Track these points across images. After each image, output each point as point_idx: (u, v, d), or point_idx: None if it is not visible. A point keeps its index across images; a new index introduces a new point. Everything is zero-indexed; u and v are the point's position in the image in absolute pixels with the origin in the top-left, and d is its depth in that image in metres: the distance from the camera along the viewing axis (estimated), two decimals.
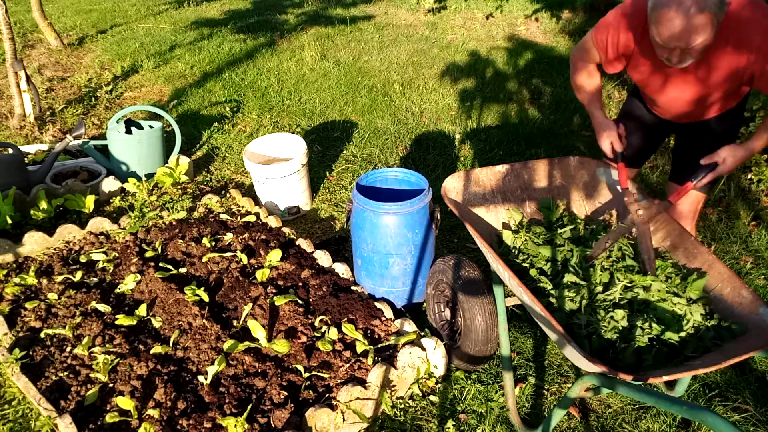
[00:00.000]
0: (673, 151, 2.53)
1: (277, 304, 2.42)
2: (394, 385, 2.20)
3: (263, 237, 2.98)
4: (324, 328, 2.36)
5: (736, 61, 1.90)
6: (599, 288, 1.96)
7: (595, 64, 2.28)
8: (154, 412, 1.97)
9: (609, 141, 2.21)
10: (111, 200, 3.53)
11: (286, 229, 3.10)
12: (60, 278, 2.67)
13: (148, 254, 2.83)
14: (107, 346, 2.28)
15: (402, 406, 2.20)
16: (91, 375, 2.17)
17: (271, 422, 1.98)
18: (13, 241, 2.95)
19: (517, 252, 2.21)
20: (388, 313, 2.49)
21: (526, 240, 2.21)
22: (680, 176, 2.39)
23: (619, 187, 2.23)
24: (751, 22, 1.84)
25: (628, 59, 2.14)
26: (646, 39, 1.97)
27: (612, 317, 1.84)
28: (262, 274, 2.64)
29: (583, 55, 2.27)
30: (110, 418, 1.94)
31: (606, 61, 2.19)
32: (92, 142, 3.86)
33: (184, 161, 3.76)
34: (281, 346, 2.21)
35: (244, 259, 2.78)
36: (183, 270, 2.74)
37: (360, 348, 2.24)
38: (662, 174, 3.83)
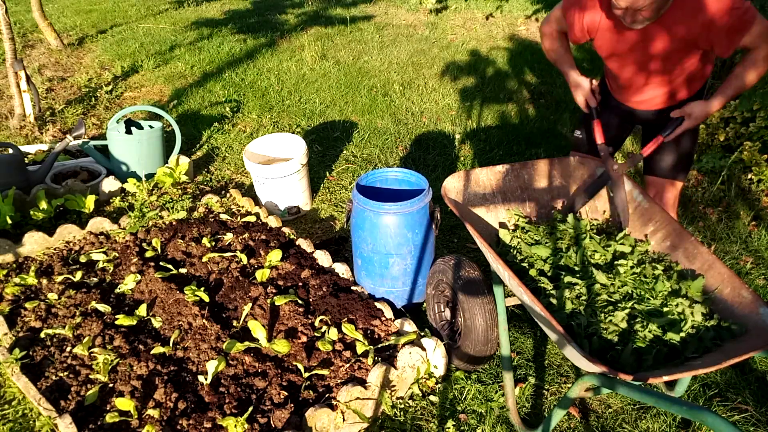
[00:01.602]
0: (641, 143, 2.60)
1: (277, 304, 2.42)
2: (394, 385, 2.20)
3: (263, 237, 2.98)
4: (324, 328, 2.36)
5: (692, 27, 1.98)
6: (599, 288, 1.96)
7: (562, 31, 2.38)
8: (154, 412, 1.97)
9: (583, 97, 2.30)
10: (111, 200, 3.53)
11: (286, 229, 3.11)
12: (60, 278, 2.67)
13: (148, 254, 2.83)
14: (107, 346, 2.28)
15: (402, 406, 2.20)
16: (91, 375, 2.17)
17: (271, 422, 1.98)
18: (13, 241, 2.95)
19: (515, 252, 2.21)
20: (388, 313, 2.49)
21: (519, 242, 2.22)
22: (652, 168, 2.49)
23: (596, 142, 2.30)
24: None
25: (594, 32, 2.23)
26: (610, 10, 2.08)
27: (612, 319, 1.84)
28: (262, 274, 2.64)
29: (551, 24, 2.39)
30: (110, 418, 1.94)
31: (571, 32, 2.29)
32: (92, 142, 3.86)
33: (184, 161, 3.76)
34: (281, 346, 2.21)
35: (244, 259, 2.78)
36: (183, 270, 2.74)
37: (360, 348, 2.24)
38: None
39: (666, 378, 1.49)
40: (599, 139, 2.24)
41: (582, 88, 2.30)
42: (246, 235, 2.97)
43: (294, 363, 2.22)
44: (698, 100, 2.07)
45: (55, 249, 2.96)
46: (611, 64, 2.34)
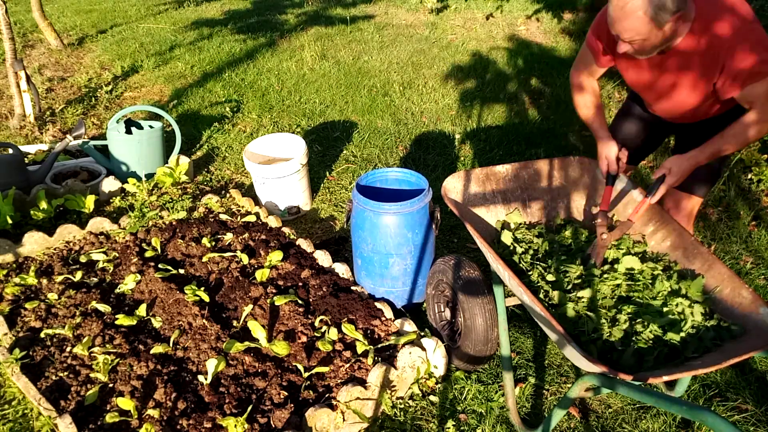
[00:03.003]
0: (672, 153, 2.52)
1: (277, 304, 2.42)
2: (394, 385, 2.19)
3: (263, 237, 2.98)
4: (324, 328, 2.36)
5: (707, 65, 1.90)
6: (600, 288, 1.96)
7: (593, 76, 2.29)
8: (154, 412, 1.97)
9: (606, 162, 2.21)
10: (111, 200, 3.53)
11: (286, 229, 3.10)
12: (60, 278, 2.67)
13: (148, 254, 2.82)
14: (107, 346, 2.28)
15: (402, 406, 2.20)
16: (91, 375, 2.17)
17: (271, 422, 1.98)
18: (13, 241, 2.95)
19: (512, 250, 2.21)
20: (388, 313, 2.49)
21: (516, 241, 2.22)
22: None
23: (597, 208, 2.24)
24: (722, 26, 1.83)
25: (615, 59, 2.16)
26: None
27: (613, 320, 1.84)
28: (262, 274, 2.64)
29: (579, 66, 2.30)
30: (110, 418, 1.94)
31: (597, 59, 2.21)
32: (92, 142, 3.86)
33: (184, 161, 3.76)
34: (281, 347, 2.21)
35: (245, 259, 2.78)
36: (183, 270, 2.74)
37: (360, 348, 2.24)
38: None
39: (666, 378, 1.49)
40: (603, 205, 2.16)
41: (608, 154, 2.19)
42: (246, 235, 2.97)
43: (294, 363, 2.22)
44: (676, 155, 2.02)
45: (55, 249, 2.96)
46: (635, 88, 2.28)
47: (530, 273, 2.08)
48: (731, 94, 1.90)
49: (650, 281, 1.96)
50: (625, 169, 2.40)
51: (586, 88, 2.31)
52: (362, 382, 2.11)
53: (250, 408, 1.98)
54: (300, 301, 2.50)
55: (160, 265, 2.73)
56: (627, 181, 2.27)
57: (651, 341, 1.75)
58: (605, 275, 2.01)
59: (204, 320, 2.37)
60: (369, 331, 2.39)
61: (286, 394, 2.08)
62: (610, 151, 2.19)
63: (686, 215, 2.41)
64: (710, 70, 1.92)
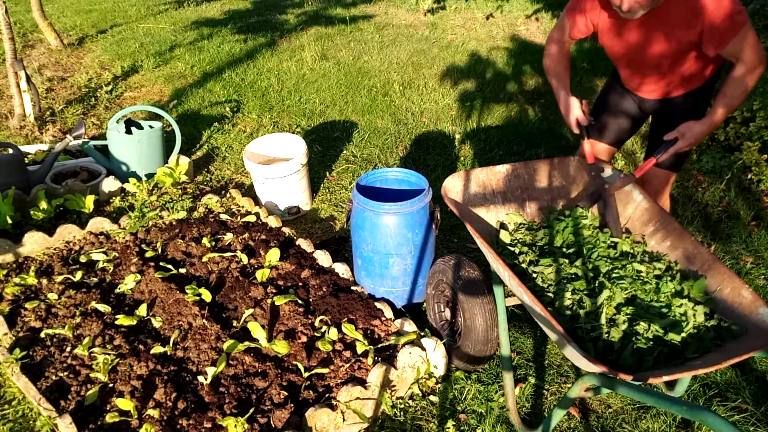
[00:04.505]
0: (648, 134, 2.64)
1: (277, 304, 2.42)
2: (394, 385, 2.19)
3: (263, 237, 2.98)
4: (324, 328, 2.36)
5: (690, 27, 2.03)
6: (601, 290, 1.96)
7: (567, 42, 2.42)
8: (154, 412, 1.97)
9: (575, 117, 2.32)
10: (111, 200, 3.53)
11: (286, 229, 3.10)
12: (60, 278, 2.67)
13: (148, 254, 2.82)
14: (107, 346, 2.28)
15: (402, 406, 2.20)
16: (91, 375, 2.17)
17: (271, 422, 1.98)
18: (13, 241, 2.95)
19: (513, 249, 2.21)
20: (388, 313, 2.49)
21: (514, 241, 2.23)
22: (650, 154, 2.53)
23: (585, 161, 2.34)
24: None
25: (595, 25, 2.29)
26: (608, 10, 2.17)
27: (614, 320, 1.84)
28: (262, 274, 2.64)
29: (554, 35, 2.44)
30: (110, 418, 1.94)
31: (574, 30, 2.34)
32: (92, 142, 3.86)
33: (184, 161, 3.76)
34: (281, 347, 2.21)
35: (245, 259, 2.78)
36: (183, 270, 2.74)
37: (360, 348, 2.24)
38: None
39: (666, 378, 1.49)
40: (590, 158, 2.29)
41: (574, 108, 2.32)
42: (246, 235, 2.97)
43: (294, 363, 2.22)
44: (691, 120, 2.11)
45: (55, 249, 2.96)
46: (613, 59, 2.42)
47: (531, 273, 2.08)
48: (717, 50, 2.03)
49: (655, 284, 1.95)
50: (609, 151, 2.61)
51: (558, 52, 2.43)
52: (362, 382, 2.11)
53: (250, 408, 1.98)
54: (300, 301, 2.50)
55: (160, 265, 2.73)
56: (613, 171, 2.31)
57: (651, 341, 1.75)
58: (615, 272, 2.00)
59: (204, 320, 2.37)
60: (369, 331, 2.39)
61: (286, 394, 2.08)
62: (575, 107, 2.31)
63: (666, 190, 2.57)
64: (689, 26, 2.04)
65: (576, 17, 2.31)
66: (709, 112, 2.10)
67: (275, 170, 3.30)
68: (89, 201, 3.36)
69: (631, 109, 2.56)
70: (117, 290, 2.61)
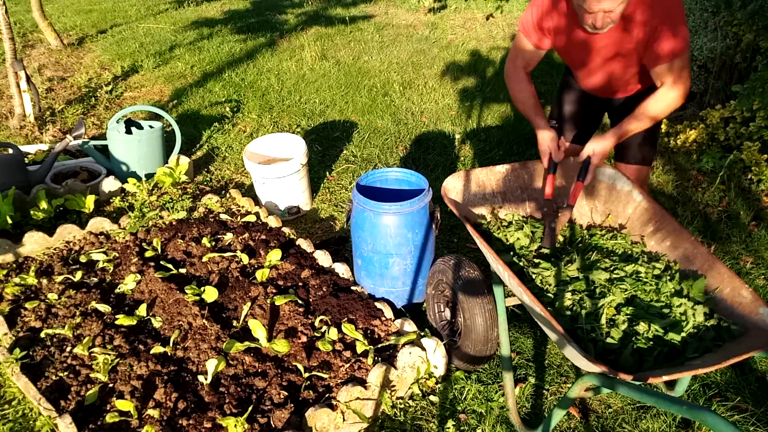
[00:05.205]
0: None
1: (277, 304, 2.42)
2: (394, 385, 2.20)
3: (263, 237, 2.98)
4: (324, 328, 2.36)
5: (641, 30, 2.07)
6: (602, 289, 1.96)
7: (529, 67, 2.41)
8: (154, 412, 1.97)
9: (548, 151, 2.29)
10: (111, 200, 3.53)
11: (286, 229, 3.10)
12: (60, 278, 2.67)
13: (148, 254, 2.83)
14: (107, 346, 2.28)
15: (402, 406, 2.20)
16: (91, 375, 2.17)
17: (271, 422, 1.98)
18: (13, 241, 2.95)
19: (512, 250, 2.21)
20: (388, 313, 2.49)
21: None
22: (622, 156, 2.58)
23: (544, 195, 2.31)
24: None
25: (552, 34, 2.28)
26: (566, 12, 2.16)
27: (615, 320, 1.84)
28: (262, 274, 2.64)
29: (516, 60, 2.39)
30: (110, 418, 1.94)
31: (535, 41, 2.32)
32: (92, 142, 3.87)
33: (184, 161, 3.76)
34: (281, 346, 2.21)
35: (245, 259, 2.78)
36: (183, 270, 2.74)
37: (360, 348, 2.24)
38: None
39: (666, 378, 1.49)
40: (548, 191, 2.26)
41: (550, 143, 2.29)
42: (246, 235, 2.97)
43: (294, 363, 2.22)
44: (596, 137, 2.19)
45: (55, 249, 2.96)
46: (568, 63, 2.48)
47: (530, 274, 2.08)
48: (650, 67, 2.11)
49: (654, 284, 1.95)
50: (575, 150, 2.57)
51: (523, 80, 2.41)
52: (362, 382, 2.11)
53: (250, 408, 1.98)
54: (300, 301, 2.50)
55: (160, 265, 2.73)
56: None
57: (651, 341, 1.75)
58: (615, 273, 2.00)
59: (204, 320, 2.37)
60: (369, 331, 2.39)
61: (286, 394, 2.08)
62: (551, 141, 2.29)
63: (638, 185, 2.55)
64: (640, 42, 2.08)
65: (541, 39, 2.30)
66: (615, 127, 2.18)
67: (275, 170, 3.30)
68: (89, 201, 3.36)
69: (590, 104, 2.61)
70: (117, 290, 2.61)
